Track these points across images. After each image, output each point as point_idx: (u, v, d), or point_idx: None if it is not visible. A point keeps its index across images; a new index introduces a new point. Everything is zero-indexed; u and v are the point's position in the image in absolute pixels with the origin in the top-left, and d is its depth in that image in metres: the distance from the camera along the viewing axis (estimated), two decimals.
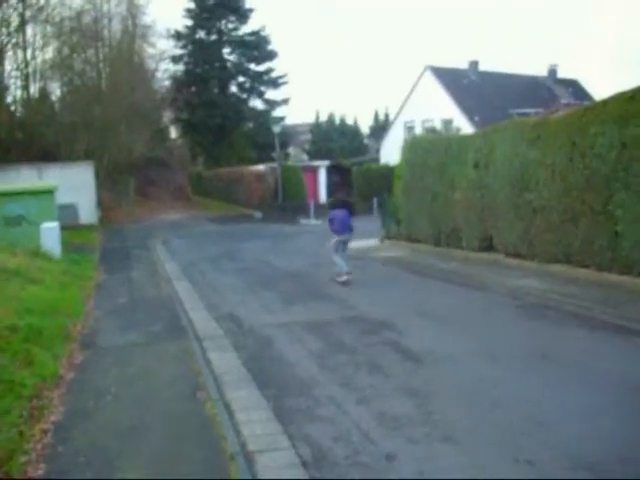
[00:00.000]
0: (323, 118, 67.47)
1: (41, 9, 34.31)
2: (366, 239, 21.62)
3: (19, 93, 38.04)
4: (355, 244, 20.93)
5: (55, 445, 5.44)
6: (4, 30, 33.25)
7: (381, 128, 64.34)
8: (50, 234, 16.23)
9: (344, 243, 14.48)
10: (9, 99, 37.05)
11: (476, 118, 38.76)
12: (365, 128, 72.06)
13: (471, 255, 16.24)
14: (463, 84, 43.37)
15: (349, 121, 68.28)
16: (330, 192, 39.59)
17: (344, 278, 13.66)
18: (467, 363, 7.62)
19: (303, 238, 25.17)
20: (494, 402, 6.27)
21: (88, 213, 29.01)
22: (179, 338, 9.06)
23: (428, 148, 18.62)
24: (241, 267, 16.78)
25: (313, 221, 30.24)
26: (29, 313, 8.89)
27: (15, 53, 35.73)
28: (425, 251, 18.25)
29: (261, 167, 37.28)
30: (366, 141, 68.45)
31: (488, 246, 15.79)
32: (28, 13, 34.12)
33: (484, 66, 45.89)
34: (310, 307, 11.31)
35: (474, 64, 45.71)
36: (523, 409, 6.06)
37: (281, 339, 9.04)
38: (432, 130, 37.33)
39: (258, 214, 32.25)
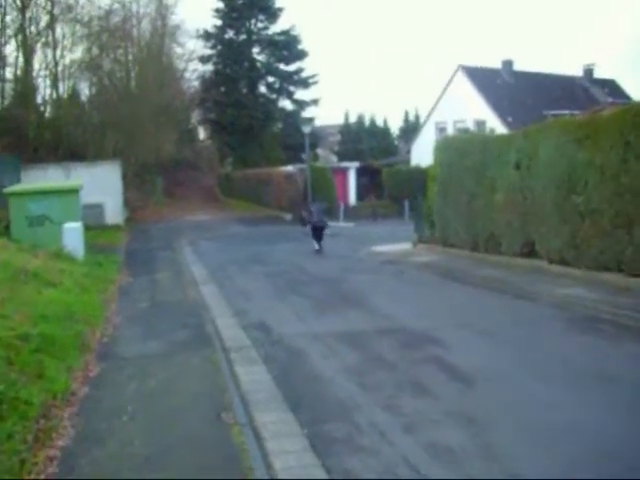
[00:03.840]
0: (352, 119, 66.90)
1: (70, 8, 34.03)
2: (398, 243, 20.88)
3: (48, 93, 37.92)
4: (387, 248, 20.28)
5: (59, 477, 4.76)
6: (33, 29, 33.03)
7: (411, 129, 63.52)
8: (73, 234, 15.68)
9: (321, 229, 20.73)
10: (38, 99, 36.85)
11: (509, 119, 37.80)
12: (395, 129, 71.42)
13: (511, 261, 15.36)
14: (496, 84, 42.41)
15: (379, 122, 67.62)
16: (359, 193, 39.04)
17: (316, 248, 20.31)
18: (521, 384, 6.83)
19: (334, 241, 24.41)
20: (557, 431, 5.48)
21: (114, 213, 28.52)
22: (204, 348, 8.36)
23: (464, 148, 17.80)
24: (270, 271, 16.08)
25: (343, 223, 29.41)
26: (43, 320, 8.25)
27: (44, 52, 35.58)
28: (461, 256, 17.38)
29: (290, 168, 36.62)
30: (396, 142, 67.66)
31: (530, 252, 14.92)
32: (57, 11, 33.88)
33: (518, 65, 44.78)
34: (343, 315, 10.56)
35: (508, 63, 44.63)
36: (589, 440, 5.27)
37: (314, 351, 8.29)
38: (465, 131, 36.40)
39: (287, 216, 31.55)
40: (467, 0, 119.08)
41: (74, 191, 18.01)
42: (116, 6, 38.14)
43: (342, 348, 8.39)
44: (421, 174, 34.37)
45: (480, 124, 39.03)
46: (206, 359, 7.81)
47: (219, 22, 49.84)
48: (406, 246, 20.57)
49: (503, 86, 42.50)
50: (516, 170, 15.15)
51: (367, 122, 66.74)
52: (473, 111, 39.92)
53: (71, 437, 5.45)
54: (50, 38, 34.93)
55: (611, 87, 46.69)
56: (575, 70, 48.20)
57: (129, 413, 6.03)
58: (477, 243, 16.98)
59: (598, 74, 47.66)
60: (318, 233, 20.48)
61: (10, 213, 17.20)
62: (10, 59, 32.82)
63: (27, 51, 32.85)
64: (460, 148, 18.00)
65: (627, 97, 41.88)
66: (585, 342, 8.52)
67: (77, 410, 6.10)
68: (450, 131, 40.54)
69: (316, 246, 20.34)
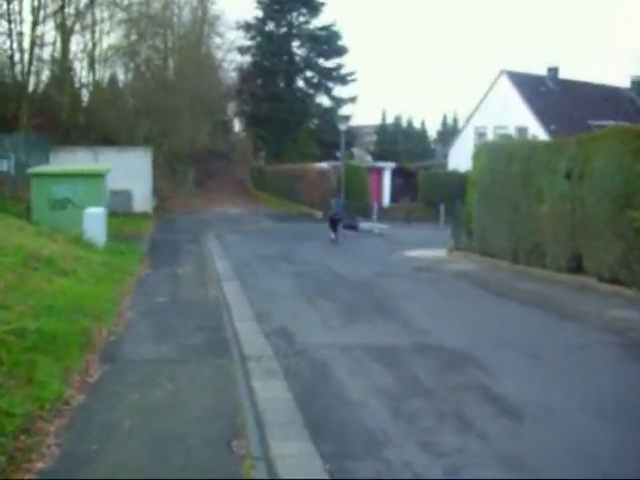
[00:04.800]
0: (389, 120, 65.91)
1: None
2: (433, 249, 19.93)
3: (84, 76, 37.59)
4: (421, 253, 19.33)
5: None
6: (72, 10, 32.59)
7: (449, 133, 62.54)
8: (94, 220, 15.00)
9: (337, 221, 22.93)
10: (75, 82, 36.51)
11: (552, 127, 36.62)
12: (432, 132, 70.39)
13: (555, 276, 14.35)
14: (540, 91, 41.40)
15: (416, 124, 66.53)
16: (393, 195, 38.10)
17: (332, 237, 22.33)
18: (578, 422, 5.93)
19: (366, 242, 23.57)
20: None
21: (143, 201, 27.91)
22: (220, 355, 7.52)
23: (509, 154, 16.84)
24: (298, 271, 15.24)
25: (377, 224, 28.44)
26: (48, 312, 7.51)
27: (83, 35, 35.19)
28: (500, 267, 16.38)
29: (324, 165, 35.80)
30: (432, 146, 66.57)
31: (576, 267, 13.92)
32: None
33: (561, 73, 43.59)
34: (375, 325, 9.68)
35: (553, 71, 43.49)
36: None
37: (341, 367, 7.41)
38: (507, 137, 35.30)
39: (318, 213, 30.72)
40: (510, 4, 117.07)
41: (100, 175, 17.34)
42: None
43: (373, 365, 7.50)
44: (459, 179, 33.44)
45: (522, 131, 37.93)
46: (221, 369, 6.97)
47: (260, 14, 49.22)
48: (441, 252, 19.62)
49: (547, 93, 41.53)
50: (566, 179, 14.16)
51: (404, 124, 65.75)
52: (515, 117, 39.00)
53: (54, 458, 4.63)
54: (89, 21, 34.59)
55: None
56: (620, 81, 46.73)
57: (126, 430, 5.21)
58: (518, 254, 15.99)
59: None
60: (334, 225, 22.67)
61: (32, 194, 16.61)
62: (48, 39, 32.37)
63: (65, 32, 32.45)
64: (504, 154, 17.07)
65: None
66: None
67: (67, 423, 5.28)
68: (490, 137, 39.54)
69: (332, 236, 22.34)
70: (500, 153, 17.40)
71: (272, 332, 8.94)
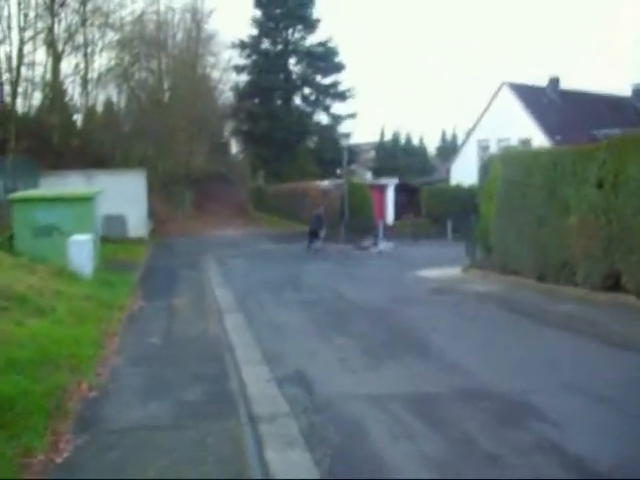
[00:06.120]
0: (388, 136, 64.96)
1: (100, 10, 32.53)
2: (446, 267, 18.52)
3: (77, 98, 36.49)
4: (435, 273, 17.88)
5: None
6: (62, 31, 31.51)
7: (449, 148, 61.63)
8: (81, 248, 13.57)
9: (314, 232, 25.45)
10: (67, 104, 35.38)
11: (558, 138, 35.56)
12: (431, 148, 69.53)
13: (590, 295, 12.98)
14: (542, 102, 40.61)
15: (415, 140, 65.56)
16: (397, 212, 36.82)
17: (307, 245, 24.99)
18: None
19: (374, 262, 22.16)
20: None
21: (138, 225, 26.56)
22: (225, 416, 6.06)
23: (530, 163, 15.59)
24: (307, 299, 13.79)
25: (383, 244, 26.98)
26: (10, 367, 6.07)
27: (75, 56, 34.15)
28: (526, 286, 14.99)
29: (326, 183, 34.59)
30: (432, 162, 65.58)
31: (613, 284, 12.56)
32: (88, 14, 32.39)
33: (562, 83, 42.75)
34: (403, 366, 8.19)
35: (554, 81, 42.68)
36: None
37: (376, 427, 5.93)
38: (514, 149, 34.24)
39: (321, 233, 29.43)
40: (506, 17, 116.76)
41: (88, 199, 15.91)
42: (150, 10, 36.62)
43: (414, 423, 6.03)
44: (464, 193, 32.35)
45: (525, 143, 36.90)
46: (226, 436, 5.51)
47: (255, 32, 48.43)
48: (456, 271, 18.18)
49: (550, 104, 40.64)
50: (598, 189, 12.84)
51: (403, 140, 64.75)
52: (518, 129, 38.01)
53: None
54: (80, 41, 33.57)
55: None
56: (621, 88, 45.89)
57: None
58: (545, 272, 14.66)
59: None
60: (311, 236, 25.31)
61: (14, 222, 15.19)
62: (38, 59, 31.38)
63: (56, 53, 31.33)
64: (526, 164, 15.80)
65: None
66: None
67: None
68: (493, 150, 38.50)
69: (308, 244, 25.03)
70: (519, 162, 16.17)
71: (286, 379, 7.46)
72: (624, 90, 45.49)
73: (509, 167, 16.44)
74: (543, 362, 8.45)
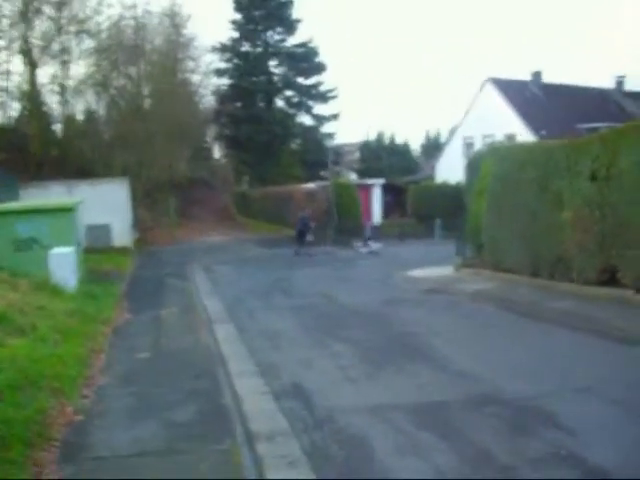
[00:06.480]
0: (372, 136, 64.73)
1: (75, 17, 31.94)
2: (436, 266, 18.25)
3: (55, 107, 35.84)
4: (426, 272, 17.58)
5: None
6: (37, 39, 30.90)
7: (433, 146, 61.50)
8: (62, 261, 13.10)
9: (302, 236, 25.41)
10: (46, 114, 34.74)
11: (543, 132, 35.62)
12: (416, 147, 69.34)
13: (586, 290, 12.73)
14: (526, 97, 40.76)
15: (399, 139, 65.38)
16: (384, 212, 36.59)
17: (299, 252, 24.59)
18: None
19: (364, 263, 21.84)
20: None
21: (122, 234, 26.06)
22: (219, 437, 5.67)
23: (523, 158, 15.34)
24: (298, 304, 13.41)
25: (372, 244, 26.72)
26: None
27: (51, 65, 33.52)
28: (520, 283, 14.71)
29: (312, 185, 34.22)
30: (417, 160, 65.41)
31: (609, 279, 12.34)
32: (64, 21, 31.80)
33: (545, 77, 42.82)
34: (405, 373, 7.84)
35: (537, 75, 42.81)
36: None
37: (383, 442, 5.56)
38: (500, 144, 34.14)
39: (309, 236, 29.08)
40: (482, 13, 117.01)
41: (68, 210, 15.41)
42: (127, 15, 36.03)
43: (422, 435, 5.67)
44: (451, 191, 32.10)
45: (511, 138, 36.94)
46: (223, 459, 5.12)
47: (236, 34, 47.96)
48: (447, 270, 17.90)
49: (533, 99, 40.88)
50: (591, 182, 12.60)
51: (387, 140, 64.48)
52: (503, 125, 38.24)
53: None
54: (57, 49, 32.94)
55: None
56: (604, 81, 46.05)
57: None
58: (539, 268, 14.41)
59: (630, 86, 45.39)
60: (299, 240, 25.43)
61: None
62: (14, 68, 30.72)
63: (32, 61, 30.73)
64: (517, 158, 15.54)
65: None
66: None
67: None
68: (478, 146, 38.43)
69: (296, 248, 24.90)
70: (511, 157, 15.93)
71: (282, 392, 7.07)
72: (607, 82, 45.67)
73: (501, 162, 16.18)
74: (547, 363, 8.15)
